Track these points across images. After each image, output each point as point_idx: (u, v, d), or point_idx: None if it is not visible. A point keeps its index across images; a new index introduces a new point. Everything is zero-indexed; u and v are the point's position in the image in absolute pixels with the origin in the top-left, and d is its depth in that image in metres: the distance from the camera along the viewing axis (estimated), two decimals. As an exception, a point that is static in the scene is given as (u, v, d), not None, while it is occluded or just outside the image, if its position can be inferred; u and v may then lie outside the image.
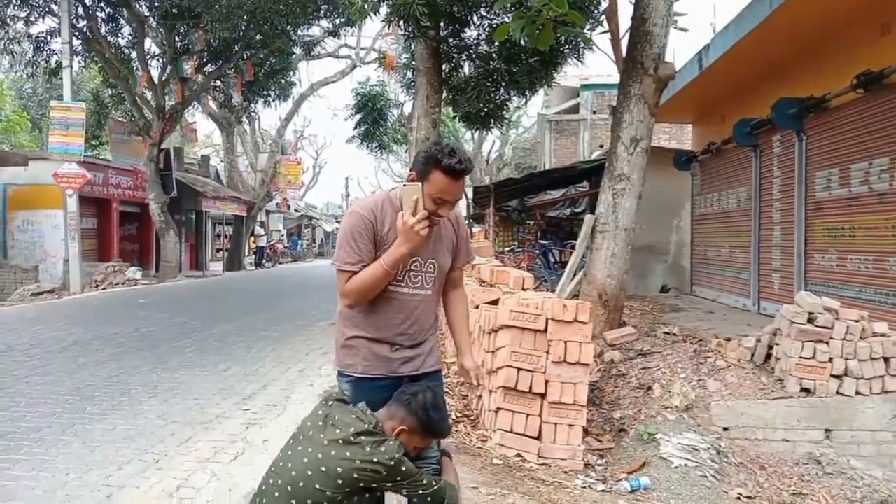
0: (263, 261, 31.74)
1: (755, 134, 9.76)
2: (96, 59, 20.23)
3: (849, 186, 7.61)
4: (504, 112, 12.56)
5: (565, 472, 4.77)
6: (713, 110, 11.79)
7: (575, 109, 25.73)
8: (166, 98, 20.80)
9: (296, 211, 41.82)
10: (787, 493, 5.00)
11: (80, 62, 20.98)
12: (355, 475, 2.32)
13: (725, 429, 5.50)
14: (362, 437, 2.37)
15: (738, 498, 4.77)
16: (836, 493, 5.15)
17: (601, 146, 18.83)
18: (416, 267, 2.66)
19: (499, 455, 4.83)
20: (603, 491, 4.62)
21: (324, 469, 2.34)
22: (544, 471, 4.71)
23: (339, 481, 2.32)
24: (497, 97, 11.69)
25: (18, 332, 9.74)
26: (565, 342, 4.91)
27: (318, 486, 2.32)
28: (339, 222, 58.06)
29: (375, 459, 2.32)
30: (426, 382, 2.72)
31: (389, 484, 2.38)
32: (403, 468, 2.36)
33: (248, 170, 33.76)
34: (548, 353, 4.94)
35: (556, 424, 4.92)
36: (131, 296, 15.67)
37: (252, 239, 31.83)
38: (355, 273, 2.57)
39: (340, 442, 2.37)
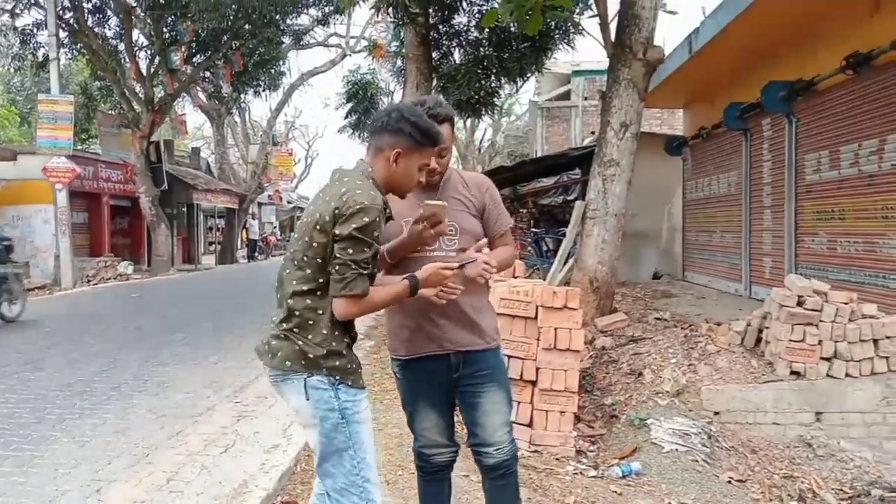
0: (256, 253, 31.65)
1: (745, 118, 9.73)
2: (83, 51, 20.02)
3: (838, 169, 7.60)
4: (495, 99, 12.54)
5: (557, 459, 4.77)
6: (704, 94, 11.75)
7: (566, 96, 25.67)
8: (155, 90, 20.61)
9: (288, 203, 41.63)
10: (777, 475, 5.02)
11: (67, 54, 20.71)
12: (317, 215, 2.16)
13: (716, 413, 5.51)
14: (346, 178, 2.24)
15: (730, 481, 4.78)
16: (827, 475, 5.17)
17: (593, 132, 18.77)
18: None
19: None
20: (594, 477, 4.62)
21: (307, 219, 2.23)
22: (536, 458, 4.71)
23: (310, 222, 2.19)
24: (488, 84, 11.65)
25: (10, 328, 9.69)
26: (555, 329, 4.90)
27: (296, 236, 2.25)
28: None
29: (346, 195, 2.13)
30: (483, 365, 2.62)
31: (336, 236, 2.12)
32: (366, 219, 2.11)
33: (239, 162, 33.57)
34: (538, 340, 4.94)
35: (546, 412, 4.91)
36: (123, 291, 15.61)
37: (245, 231, 31.72)
38: None
39: (326, 188, 2.27)
